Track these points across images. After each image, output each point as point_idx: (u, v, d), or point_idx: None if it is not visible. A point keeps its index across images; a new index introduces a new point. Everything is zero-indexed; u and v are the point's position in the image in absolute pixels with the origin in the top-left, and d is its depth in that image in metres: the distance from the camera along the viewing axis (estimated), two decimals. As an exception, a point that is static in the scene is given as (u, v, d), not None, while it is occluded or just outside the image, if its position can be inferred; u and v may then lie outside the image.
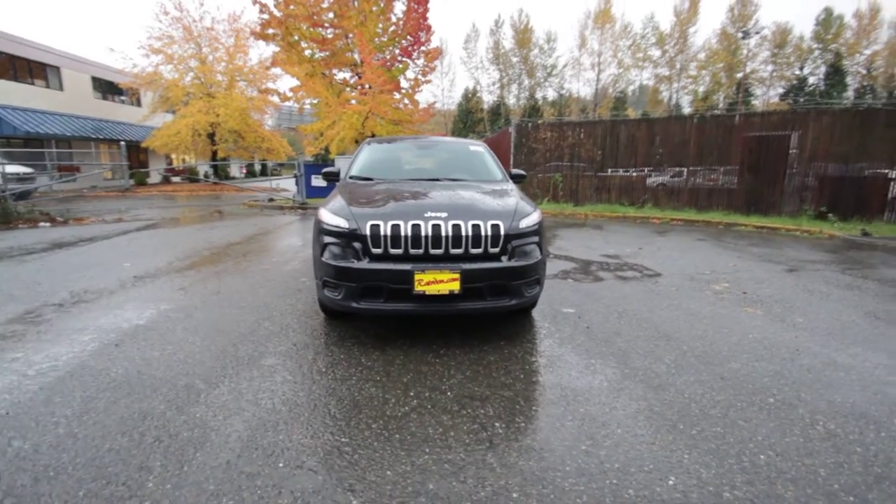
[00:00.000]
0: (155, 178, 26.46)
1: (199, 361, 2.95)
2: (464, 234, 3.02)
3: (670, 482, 1.86)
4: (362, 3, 14.43)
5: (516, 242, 3.16)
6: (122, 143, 18.88)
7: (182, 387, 2.61)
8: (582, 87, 51.94)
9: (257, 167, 41.46)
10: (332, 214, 3.23)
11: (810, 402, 2.55)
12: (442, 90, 50.12)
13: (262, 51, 60.49)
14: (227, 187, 23.35)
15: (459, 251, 3.04)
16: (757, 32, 41.51)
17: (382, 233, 3.00)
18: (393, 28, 15.40)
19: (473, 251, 3.06)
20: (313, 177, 15.12)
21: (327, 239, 3.17)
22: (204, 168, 25.80)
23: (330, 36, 14.73)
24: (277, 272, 5.43)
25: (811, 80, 45.16)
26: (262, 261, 6.11)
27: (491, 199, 3.48)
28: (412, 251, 3.01)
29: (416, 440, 2.12)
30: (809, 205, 11.29)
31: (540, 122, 17.51)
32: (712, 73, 48.49)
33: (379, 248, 3.02)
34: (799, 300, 4.56)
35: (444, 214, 3.08)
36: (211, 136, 23.28)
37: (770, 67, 45.94)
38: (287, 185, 20.06)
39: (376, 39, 14.87)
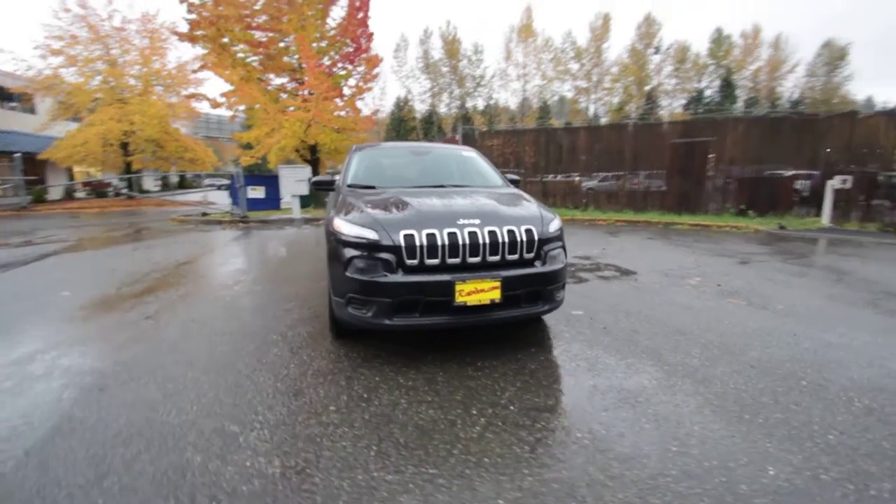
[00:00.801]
0: (55, 194, 23.42)
1: (215, 399, 2.57)
2: (500, 240, 2.93)
3: (771, 472, 1.90)
4: (300, 7, 13.86)
5: (547, 247, 3.13)
6: (18, 155, 16.47)
7: (212, 431, 2.24)
8: (509, 97, 53.92)
9: (173, 179, 38.20)
10: (354, 225, 2.98)
11: (835, 381, 2.76)
12: (373, 98, 49.49)
13: (181, 53, 56.03)
14: (144, 201, 21.23)
15: (496, 258, 2.94)
16: (666, 50, 45.80)
17: (418, 243, 2.83)
18: (333, 33, 14.94)
19: (510, 258, 2.98)
20: (250, 189, 14.21)
21: (351, 252, 2.92)
22: (115, 181, 23.27)
23: (265, 39, 13.97)
24: (251, 293, 4.96)
25: (708, 92, 50.46)
26: (227, 280, 5.56)
27: (511, 204, 3.41)
28: (449, 260, 2.87)
29: (508, 461, 1.99)
30: (731, 203, 12.52)
31: (486, 129, 17.87)
32: (624, 86, 52.52)
33: (414, 259, 2.83)
34: (767, 289, 4.98)
35: (477, 221, 2.97)
36: (124, 145, 21.05)
37: (674, 81, 50.68)
38: (216, 197, 18.60)
39: (315, 45, 14.34)
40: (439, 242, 2.84)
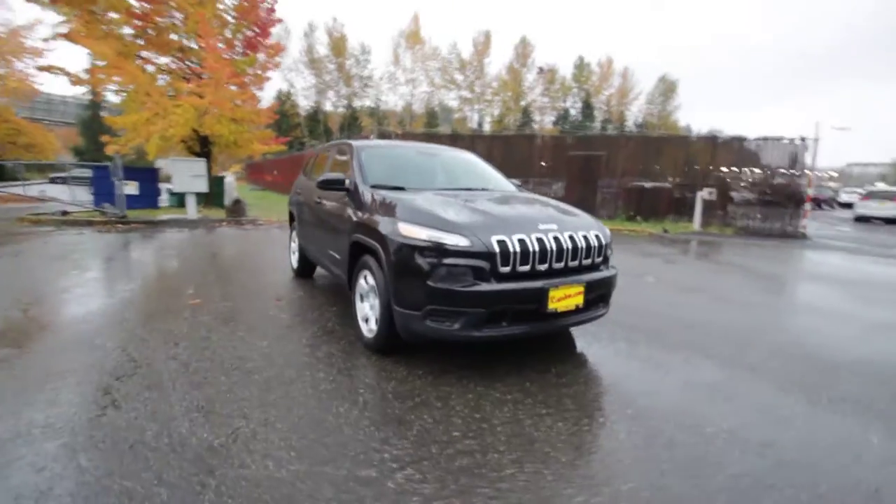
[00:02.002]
0: None
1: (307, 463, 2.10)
2: (579, 245, 2.92)
3: None
4: (193, -22, 12.05)
5: (608, 252, 3.22)
6: None
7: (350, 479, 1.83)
8: (398, 101, 53.95)
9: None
10: (435, 231, 2.70)
11: (860, 360, 3.29)
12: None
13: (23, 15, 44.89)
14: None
15: (576, 263, 2.93)
16: (543, 71, 50.42)
17: (511, 249, 2.67)
18: (234, 14, 13.31)
19: (585, 262, 2.99)
20: (118, 183, 11.94)
21: (434, 260, 2.65)
22: None
23: (148, 9, 11.84)
24: (222, 310, 4.18)
25: (572, 111, 56.80)
26: (176, 298, 4.61)
27: (561, 210, 3.41)
28: (539, 267, 2.77)
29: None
30: (622, 210, 14.28)
31: (400, 132, 17.63)
32: (503, 100, 56.50)
33: (507, 266, 2.67)
34: (712, 284, 5.79)
35: (555, 226, 2.92)
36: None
37: (546, 99, 56.03)
38: (56, 192, 15.12)
39: (216, 23, 12.64)
40: (530, 248, 2.73)
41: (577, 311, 2.89)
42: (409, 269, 2.72)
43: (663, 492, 1.82)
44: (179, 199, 13.71)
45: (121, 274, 5.65)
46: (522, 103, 56.48)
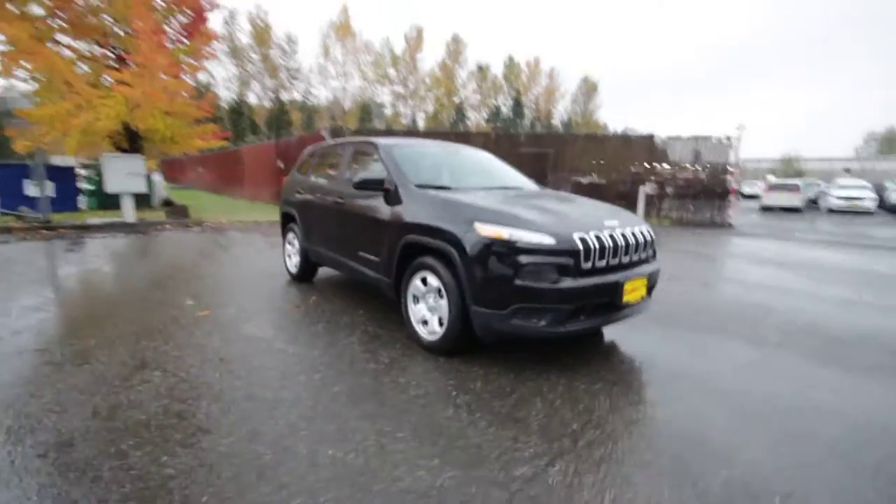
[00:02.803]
0: None
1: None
2: (640, 240, 3.11)
3: None
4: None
5: (655, 246, 3.44)
6: None
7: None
8: (330, 95, 52.20)
9: None
10: (517, 230, 2.74)
11: (855, 329, 3.82)
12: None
13: None
14: None
15: (637, 257, 3.11)
16: (485, 67, 51.48)
17: (592, 245, 2.79)
18: (166, -2, 12.08)
19: (644, 256, 3.19)
20: (38, 183, 10.53)
21: (521, 259, 2.69)
22: None
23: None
24: (239, 319, 3.89)
25: (504, 109, 58.52)
26: (178, 310, 4.20)
27: (606, 207, 3.58)
28: (611, 262, 2.91)
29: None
30: (572, 204, 15.06)
31: (356, 129, 17.07)
32: (436, 97, 56.82)
33: (589, 262, 2.79)
34: (687, 271, 6.36)
35: (616, 223, 3.08)
36: None
37: (478, 96, 57.21)
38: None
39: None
40: (606, 244, 2.86)
41: (641, 301, 3.09)
42: (492, 269, 2.73)
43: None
44: (100, 201, 12.35)
45: (100, 287, 5.02)
46: (456, 100, 57.19)
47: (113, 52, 12.24)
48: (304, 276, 5.21)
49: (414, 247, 3.28)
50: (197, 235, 9.10)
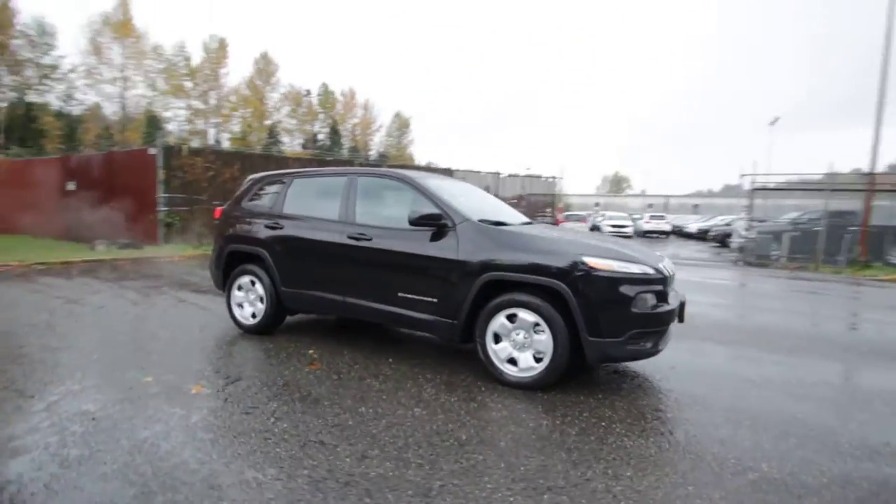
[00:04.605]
0: None
1: None
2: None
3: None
4: None
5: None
6: None
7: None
8: (106, 103, 42.44)
9: None
10: (623, 262, 3.04)
11: (838, 337, 5.17)
12: None
13: None
14: None
15: (670, 283, 3.72)
16: (299, 93, 49.24)
17: (669, 273, 3.25)
18: None
19: (670, 281, 3.83)
20: None
21: (634, 289, 2.98)
22: None
23: None
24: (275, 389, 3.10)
25: (321, 136, 57.43)
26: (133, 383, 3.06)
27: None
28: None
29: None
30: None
31: (202, 147, 14.28)
32: (243, 117, 52.32)
33: (671, 288, 3.24)
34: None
35: (662, 254, 3.64)
36: None
37: (294, 121, 54.80)
38: None
39: None
40: (672, 271, 3.37)
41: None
42: (610, 300, 2.96)
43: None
44: None
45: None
46: (267, 122, 53.70)
47: None
48: (269, 327, 4.36)
49: (496, 285, 3.22)
50: (6, 289, 6.42)
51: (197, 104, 48.49)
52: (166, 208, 11.90)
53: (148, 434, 2.42)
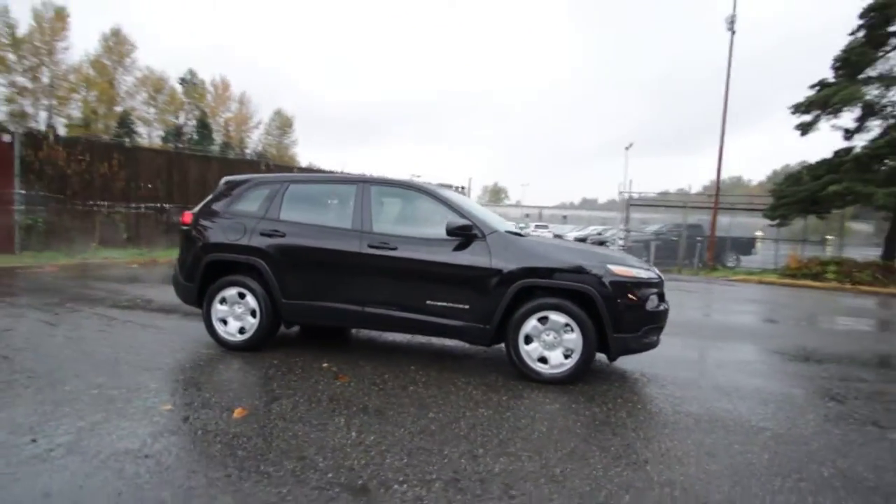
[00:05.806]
0: None
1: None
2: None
3: None
4: None
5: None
6: None
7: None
8: None
9: None
10: (636, 269, 3.60)
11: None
12: None
13: None
14: None
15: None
16: (160, 77, 42.80)
17: (663, 278, 3.89)
18: None
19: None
20: None
21: (648, 291, 3.54)
22: None
23: None
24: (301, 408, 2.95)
25: (187, 129, 51.27)
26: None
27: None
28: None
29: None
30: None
31: (79, 137, 11.64)
32: (85, 100, 44.51)
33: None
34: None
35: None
36: None
37: (153, 110, 48.04)
38: None
39: None
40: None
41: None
42: (633, 301, 3.47)
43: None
44: None
45: None
46: (118, 109, 46.38)
47: None
48: (261, 342, 4.05)
49: (529, 290, 3.53)
50: None
51: (23, 81, 39.90)
52: (23, 206, 9.76)
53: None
